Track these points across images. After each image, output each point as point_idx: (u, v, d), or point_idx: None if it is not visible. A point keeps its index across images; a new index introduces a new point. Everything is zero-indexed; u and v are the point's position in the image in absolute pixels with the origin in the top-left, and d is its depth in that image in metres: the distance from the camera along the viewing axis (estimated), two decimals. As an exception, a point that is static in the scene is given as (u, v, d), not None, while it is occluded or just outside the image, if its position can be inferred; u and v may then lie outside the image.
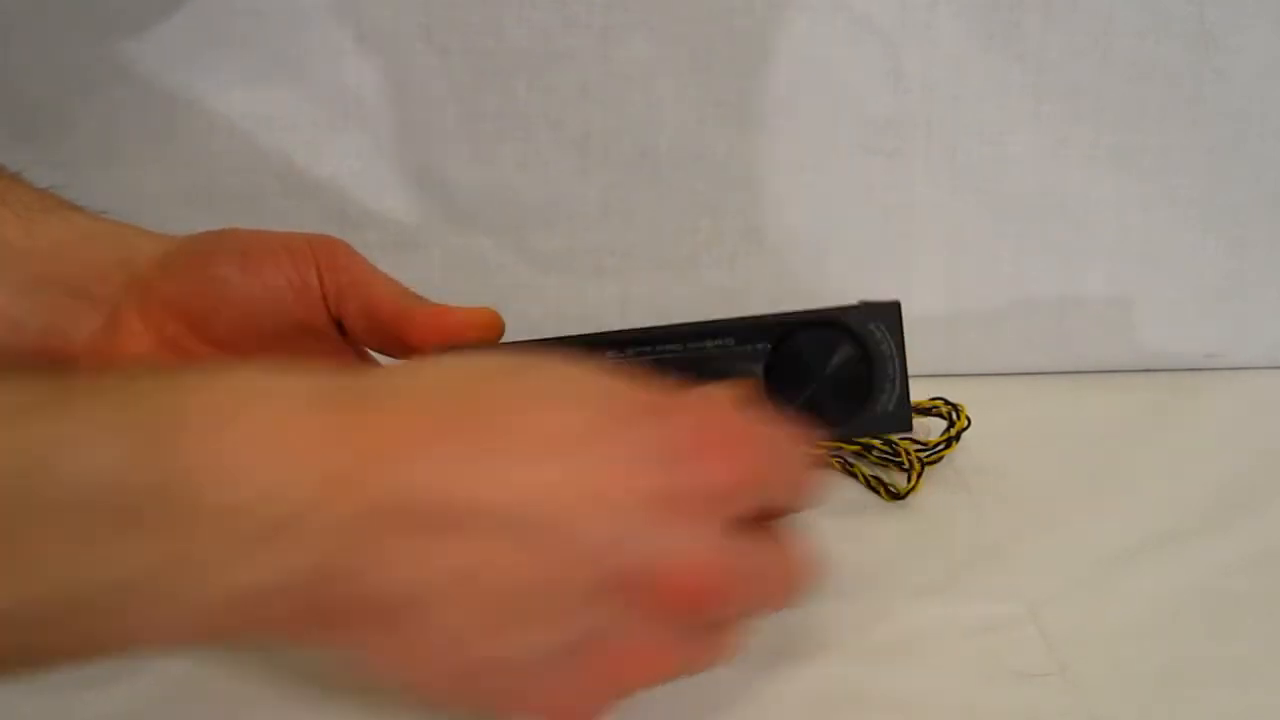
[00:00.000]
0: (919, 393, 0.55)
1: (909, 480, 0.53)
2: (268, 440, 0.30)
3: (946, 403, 0.56)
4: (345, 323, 0.44)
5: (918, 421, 0.57)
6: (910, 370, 0.44)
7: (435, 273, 0.63)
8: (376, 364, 0.47)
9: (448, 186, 0.62)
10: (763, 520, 0.36)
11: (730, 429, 0.34)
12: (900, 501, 0.53)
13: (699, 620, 0.34)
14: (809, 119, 0.61)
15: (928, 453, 0.54)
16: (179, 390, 0.30)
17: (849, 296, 0.48)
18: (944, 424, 0.56)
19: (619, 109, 0.61)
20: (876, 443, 0.54)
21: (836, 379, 0.44)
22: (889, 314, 0.44)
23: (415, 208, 0.62)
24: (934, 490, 0.54)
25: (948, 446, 0.55)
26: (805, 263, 0.63)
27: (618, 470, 0.32)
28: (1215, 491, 0.53)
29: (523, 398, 0.32)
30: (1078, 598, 0.46)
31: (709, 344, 0.44)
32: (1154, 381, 0.64)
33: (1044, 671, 0.42)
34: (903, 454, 0.54)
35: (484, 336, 0.44)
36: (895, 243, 0.63)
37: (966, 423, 0.55)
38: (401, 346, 0.44)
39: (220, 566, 0.29)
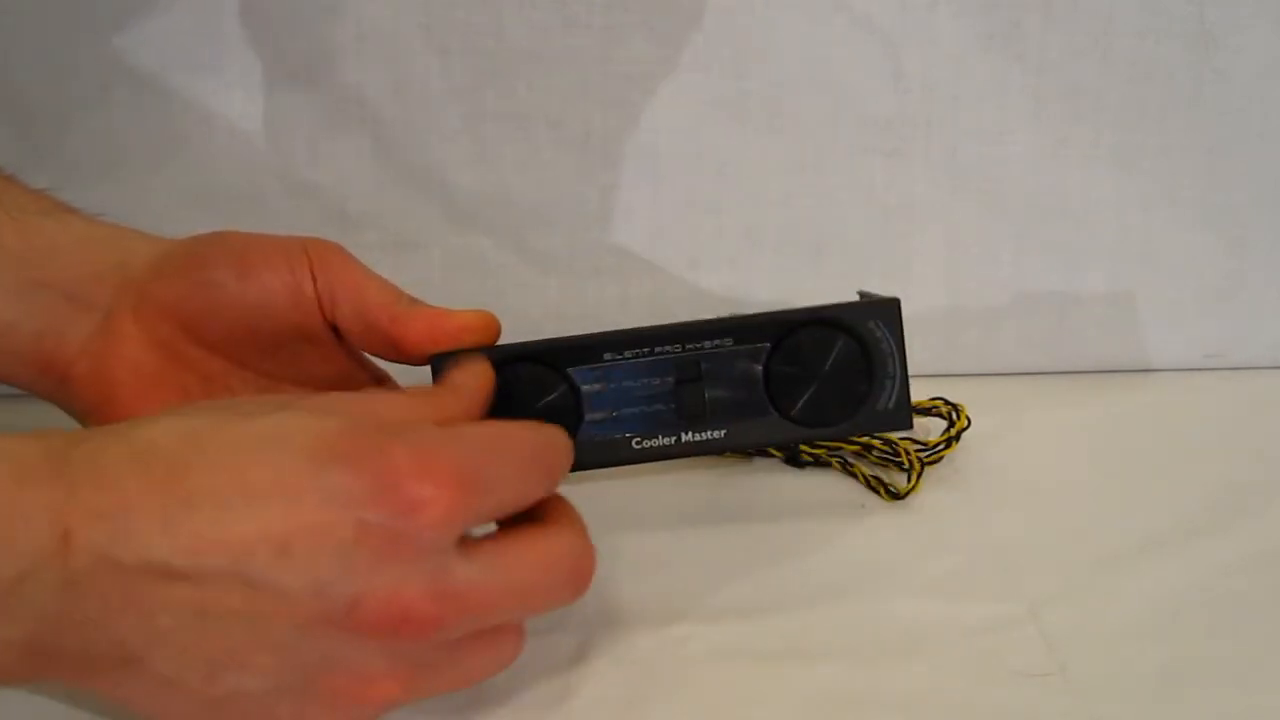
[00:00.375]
0: (919, 392, 0.55)
1: (909, 480, 0.53)
2: None
3: (946, 403, 0.56)
4: (340, 326, 0.44)
5: (918, 421, 0.57)
6: (910, 370, 0.44)
7: (435, 273, 0.63)
8: (373, 366, 0.47)
9: (448, 186, 0.62)
10: (535, 516, 0.37)
11: (420, 465, 0.34)
12: (900, 501, 0.53)
13: (420, 646, 0.35)
14: (809, 119, 0.61)
15: (928, 453, 0.54)
16: None
17: (849, 296, 0.48)
18: (944, 424, 0.56)
19: (619, 109, 0.61)
20: (876, 443, 0.54)
21: (836, 377, 0.44)
22: (888, 312, 0.44)
23: (415, 208, 0.62)
24: (934, 490, 0.54)
25: (948, 446, 0.55)
26: (805, 263, 0.63)
27: (314, 515, 0.33)
28: (1215, 491, 0.53)
29: (225, 453, 0.34)
30: (1078, 598, 0.46)
31: (708, 345, 0.44)
32: (1154, 381, 0.64)
33: (1044, 671, 0.42)
34: (903, 454, 0.54)
35: (480, 339, 0.43)
36: (895, 243, 0.63)
37: (966, 423, 0.55)
38: (396, 350, 0.44)
39: None
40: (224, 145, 0.60)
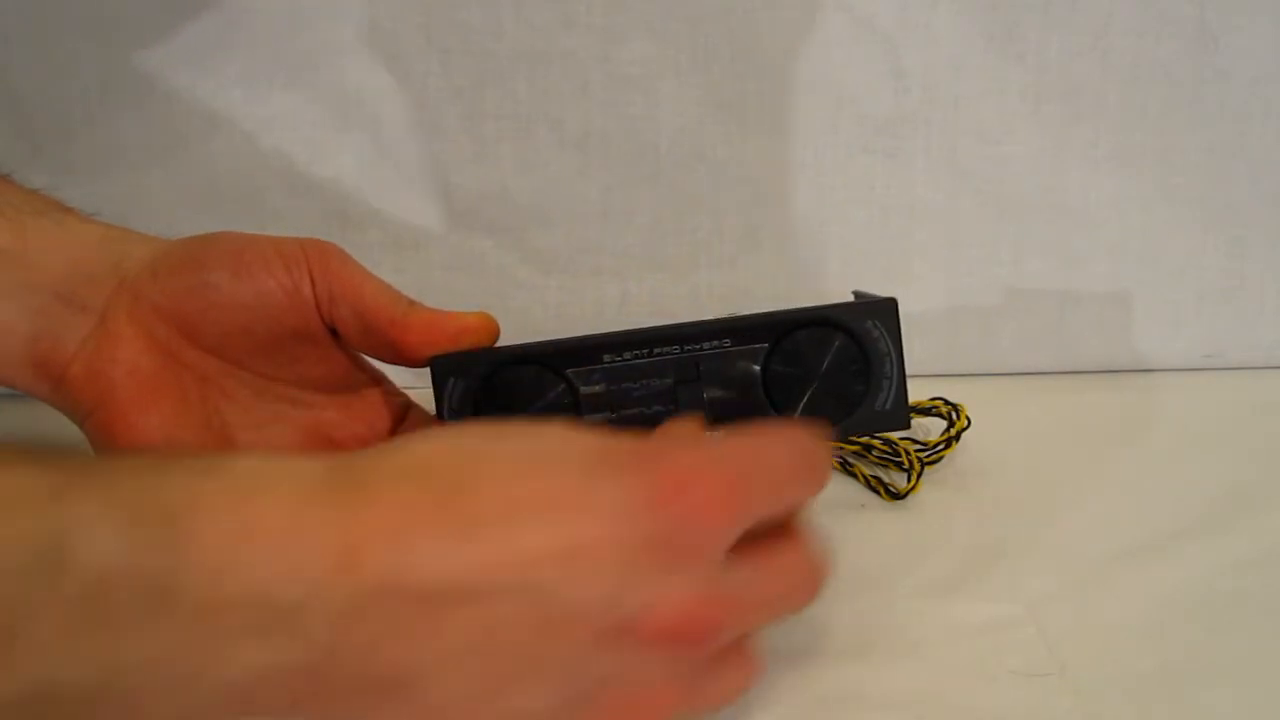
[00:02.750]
0: (919, 392, 0.55)
1: (909, 480, 0.53)
2: (269, 531, 0.31)
3: (946, 403, 0.56)
4: (338, 328, 0.44)
5: (917, 421, 0.57)
6: (910, 370, 0.44)
7: (435, 273, 0.63)
8: (371, 368, 0.47)
9: (448, 186, 0.62)
10: (776, 527, 0.37)
11: (695, 474, 0.34)
12: (900, 501, 0.53)
13: (699, 654, 0.35)
14: (809, 119, 0.61)
15: (928, 453, 0.54)
16: (178, 480, 0.31)
17: (847, 296, 0.48)
18: (944, 424, 0.56)
19: (619, 109, 0.61)
20: (876, 443, 0.54)
21: (834, 377, 0.44)
22: (886, 312, 0.44)
23: (415, 208, 0.62)
24: (934, 490, 0.54)
25: (948, 446, 0.55)
26: (805, 263, 0.63)
27: (601, 527, 0.33)
28: (1215, 491, 0.53)
29: (503, 471, 0.34)
30: (1078, 598, 0.46)
31: (706, 346, 0.44)
32: (1154, 381, 0.64)
33: (1044, 671, 0.42)
34: (903, 454, 0.54)
35: (478, 341, 0.43)
36: (895, 243, 0.63)
37: (966, 423, 0.55)
38: (394, 352, 0.44)
39: (222, 655, 0.30)
40: (224, 145, 0.60)
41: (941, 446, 0.55)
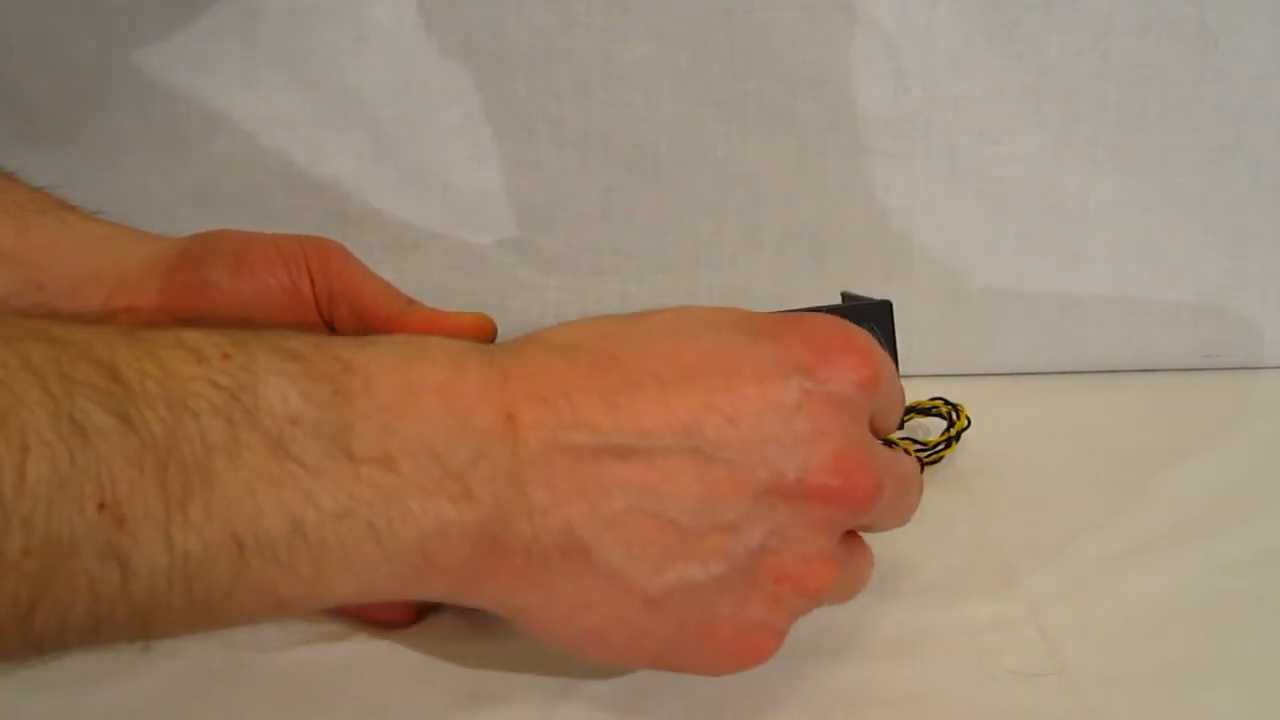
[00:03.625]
0: (919, 392, 0.55)
1: (909, 480, 0.53)
2: (434, 391, 0.32)
3: (946, 403, 0.56)
4: (337, 326, 0.44)
5: (917, 421, 0.57)
6: (910, 370, 0.44)
7: (435, 273, 0.63)
8: None
9: (448, 186, 0.62)
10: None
11: (841, 334, 0.36)
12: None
13: (857, 514, 0.35)
14: (809, 119, 0.61)
15: (928, 453, 0.54)
16: (345, 347, 0.32)
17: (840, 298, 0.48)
18: (944, 424, 0.56)
19: (619, 109, 0.61)
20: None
21: None
22: (881, 314, 0.44)
23: (415, 208, 0.62)
24: (934, 490, 0.53)
25: (948, 446, 0.55)
26: (805, 263, 0.63)
27: (758, 384, 0.34)
28: (1215, 491, 0.53)
29: (653, 337, 0.35)
30: (1078, 598, 0.46)
31: None
32: (1154, 381, 0.64)
33: (1044, 671, 0.42)
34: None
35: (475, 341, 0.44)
36: (895, 243, 0.63)
37: (966, 423, 0.55)
38: None
39: (400, 508, 0.31)
40: (224, 145, 0.60)
41: (941, 446, 0.55)
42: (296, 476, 0.30)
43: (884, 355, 0.37)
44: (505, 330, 0.45)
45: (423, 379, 0.32)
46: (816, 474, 0.34)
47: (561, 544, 0.33)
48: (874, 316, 0.44)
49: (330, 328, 0.44)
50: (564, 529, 0.33)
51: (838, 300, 0.47)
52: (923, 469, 0.53)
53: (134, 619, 0.29)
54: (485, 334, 0.44)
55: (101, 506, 0.27)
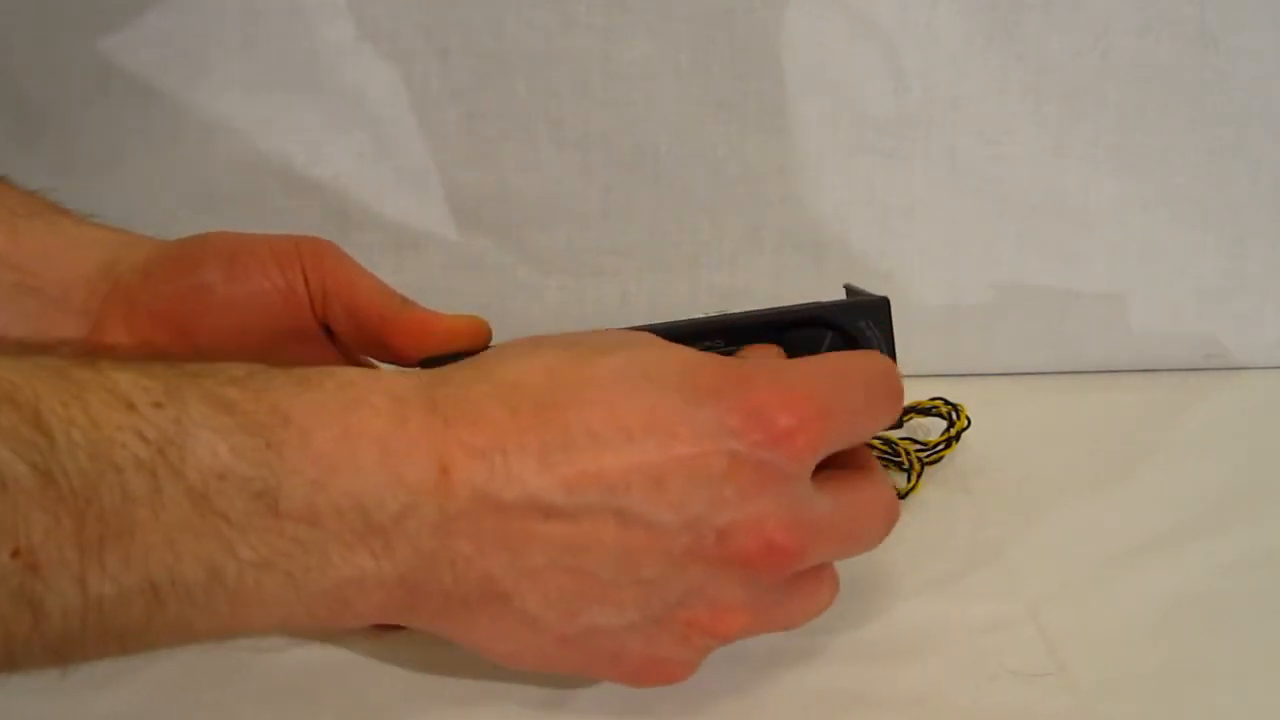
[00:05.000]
0: (919, 392, 0.55)
1: (909, 480, 0.53)
2: (368, 444, 0.32)
3: (946, 403, 0.56)
4: (332, 327, 0.44)
5: (917, 422, 0.57)
6: (910, 370, 0.44)
7: (435, 273, 0.63)
8: (372, 368, 0.47)
9: (448, 186, 0.62)
10: (851, 460, 0.38)
11: (783, 397, 0.35)
12: (900, 501, 0.53)
13: (779, 577, 0.36)
14: (809, 119, 0.61)
15: (928, 453, 0.54)
16: (282, 392, 0.32)
17: (843, 294, 0.48)
18: (944, 424, 0.56)
19: (619, 109, 0.61)
20: (876, 443, 0.54)
21: None
22: (879, 311, 0.44)
23: (415, 208, 0.62)
24: (934, 490, 0.54)
25: (948, 446, 0.55)
26: (805, 263, 0.63)
27: (689, 448, 0.34)
28: (1215, 491, 0.53)
29: (596, 387, 0.35)
30: (1078, 598, 0.46)
31: (700, 344, 0.43)
32: (1154, 381, 0.64)
33: (1044, 671, 0.42)
34: (903, 454, 0.54)
35: (470, 344, 0.43)
36: (895, 243, 0.63)
37: (966, 423, 0.55)
38: (387, 351, 0.44)
39: (323, 560, 0.32)
40: (224, 145, 0.60)
41: (941, 446, 0.55)
42: (219, 529, 0.30)
43: (835, 405, 0.36)
44: (505, 330, 0.44)
45: (361, 429, 0.32)
46: (738, 541, 0.34)
47: (481, 591, 0.34)
48: (871, 313, 0.44)
49: (325, 328, 0.44)
50: (484, 578, 0.34)
51: (841, 293, 0.47)
52: (923, 469, 0.53)
53: (48, 654, 0.29)
54: (479, 338, 0.44)
55: (15, 553, 0.28)
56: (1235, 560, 0.48)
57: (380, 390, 0.34)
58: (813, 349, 0.43)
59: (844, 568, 0.48)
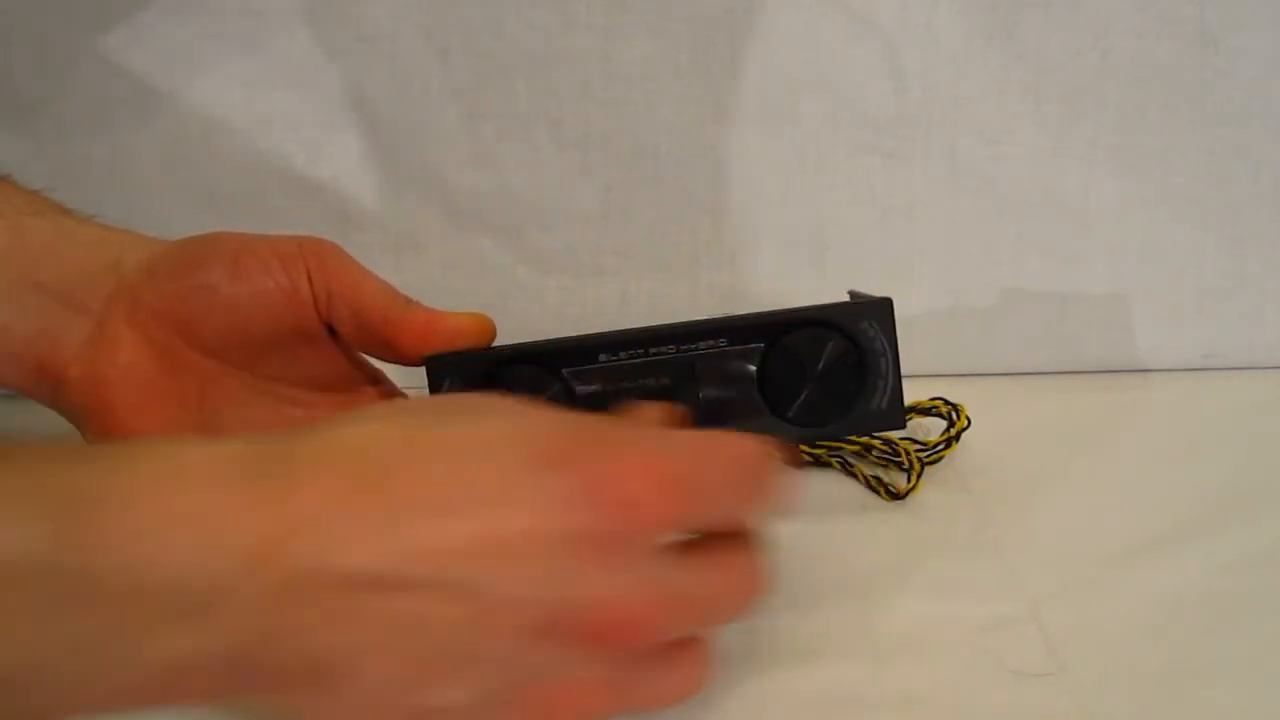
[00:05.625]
0: (919, 393, 0.55)
1: (909, 480, 0.53)
2: (187, 518, 0.31)
3: (946, 403, 0.56)
4: (335, 326, 0.44)
5: (917, 421, 0.57)
6: (910, 370, 0.44)
7: (435, 273, 0.63)
8: (369, 367, 0.47)
9: (448, 186, 0.62)
10: (725, 533, 0.36)
11: (632, 466, 0.34)
12: (900, 501, 0.53)
13: (632, 652, 0.34)
14: (809, 119, 0.61)
15: (928, 453, 0.54)
16: (97, 470, 0.31)
17: (846, 296, 0.48)
18: (944, 424, 0.56)
19: (619, 109, 0.61)
20: (876, 443, 0.54)
21: (829, 378, 0.44)
22: (881, 312, 0.44)
23: (415, 208, 0.62)
24: (934, 490, 0.54)
25: (948, 446, 0.55)
26: (805, 263, 0.63)
27: (532, 520, 0.32)
28: (1215, 491, 0.53)
29: (438, 459, 0.33)
30: (1078, 597, 0.46)
31: (702, 345, 0.43)
32: (1154, 381, 0.64)
33: (1044, 671, 0.42)
34: (903, 454, 0.54)
35: (474, 342, 0.43)
36: (895, 243, 0.63)
37: (966, 423, 0.55)
38: (390, 351, 0.44)
39: (142, 643, 0.30)
40: (224, 145, 0.60)
41: (941, 446, 0.55)
42: (30, 618, 0.29)
43: (691, 479, 0.34)
44: (505, 330, 0.44)
45: (175, 510, 0.31)
46: (585, 616, 0.33)
47: (314, 670, 0.32)
48: (874, 314, 0.44)
49: (329, 329, 0.44)
50: (318, 656, 0.32)
51: (845, 298, 0.47)
52: (923, 469, 0.53)
53: None
54: (484, 334, 0.44)
55: None
56: (1235, 560, 0.48)
57: (202, 462, 0.32)
58: (816, 351, 0.43)
59: (842, 568, 0.48)
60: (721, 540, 0.36)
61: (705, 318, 0.44)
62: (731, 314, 0.44)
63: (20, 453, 0.31)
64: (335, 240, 0.44)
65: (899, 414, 0.44)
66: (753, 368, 0.44)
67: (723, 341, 0.43)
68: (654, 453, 0.34)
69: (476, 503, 0.32)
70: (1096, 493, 0.54)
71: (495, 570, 0.32)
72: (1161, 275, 0.64)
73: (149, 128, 0.60)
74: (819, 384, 0.44)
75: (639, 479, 0.33)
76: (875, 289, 0.46)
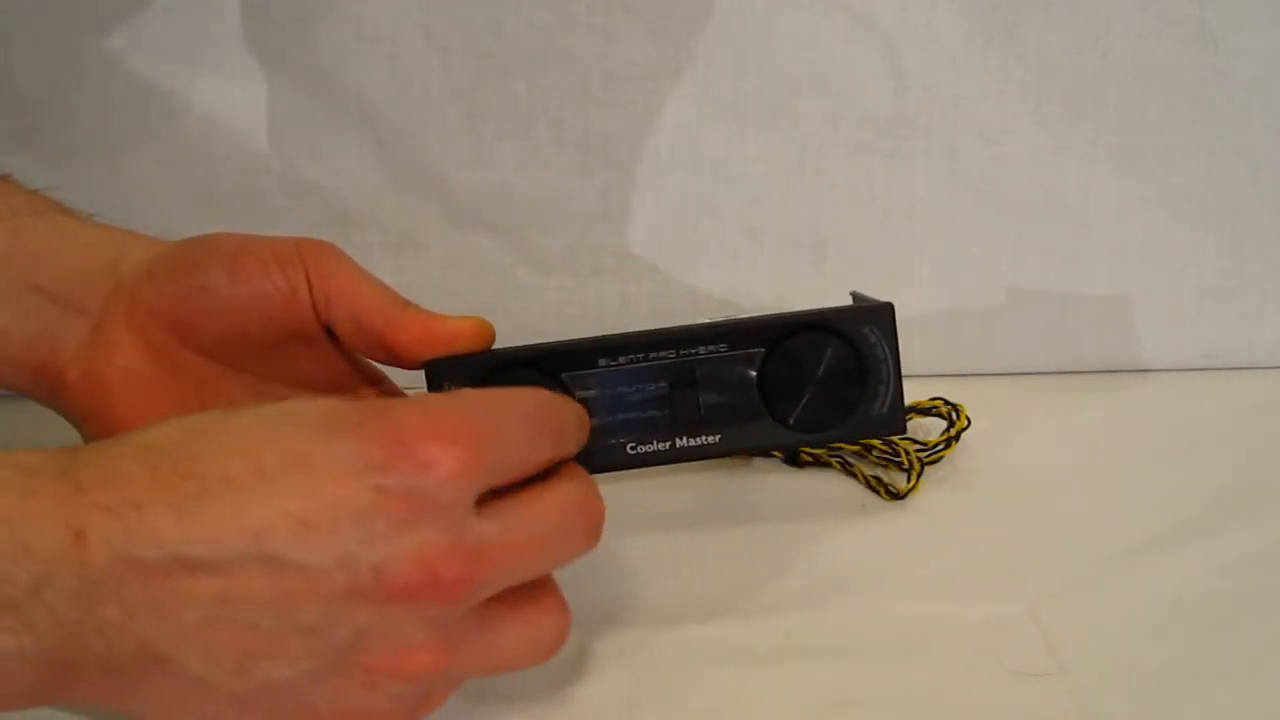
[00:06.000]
0: (919, 392, 0.55)
1: (909, 480, 0.53)
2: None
3: (946, 403, 0.56)
4: (334, 328, 0.44)
5: (917, 422, 0.57)
6: (910, 370, 0.44)
7: (435, 273, 0.63)
8: (368, 368, 0.47)
9: (448, 186, 0.62)
10: (538, 479, 0.37)
11: (424, 424, 0.34)
12: (900, 501, 0.53)
13: (453, 609, 0.34)
14: (809, 119, 0.61)
15: (928, 453, 0.54)
16: None
17: (848, 298, 0.48)
18: (944, 424, 0.56)
19: (619, 109, 0.61)
20: (876, 443, 0.54)
21: (830, 382, 0.43)
22: (882, 317, 0.44)
23: (415, 208, 0.62)
24: (934, 490, 0.54)
25: (947, 446, 0.55)
26: (805, 263, 0.63)
27: (333, 486, 0.33)
28: (1215, 491, 0.53)
29: (231, 440, 0.34)
30: (1078, 598, 0.46)
31: (702, 350, 0.43)
32: (1154, 381, 0.64)
33: (1044, 671, 0.42)
34: (903, 454, 0.54)
35: (473, 346, 0.43)
36: (895, 243, 0.63)
37: (966, 423, 0.55)
38: (389, 354, 0.43)
39: None
40: (224, 145, 0.60)
41: (941, 446, 0.55)
42: None
43: (486, 432, 0.35)
44: (505, 331, 0.44)
45: None
46: (396, 574, 0.33)
47: (139, 659, 0.32)
48: (874, 318, 0.43)
49: (328, 330, 0.44)
50: (139, 645, 0.32)
51: (846, 298, 0.47)
52: (923, 469, 0.53)
53: None
54: (483, 338, 0.44)
55: None
56: (1235, 560, 0.48)
57: (5, 465, 0.32)
58: (817, 355, 0.43)
59: (842, 568, 0.48)
60: (539, 482, 0.37)
61: (705, 321, 0.44)
62: (732, 317, 0.44)
63: None
64: (335, 240, 0.44)
65: (900, 419, 0.44)
66: (753, 373, 0.44)
67: (723, 346, 0.43)
68: (445, 410, 0.35)
69: (273, 475, 0.33)
70: (1096, 493, 0.54)
71: (299, 540, 0.32)
72: (1161, 275, 0.63)
73: (149, 128, 0.60)
74: (819, 389, 0.43)
75: (432, 435, 0.34)
76: (875, 289, 0.46)
